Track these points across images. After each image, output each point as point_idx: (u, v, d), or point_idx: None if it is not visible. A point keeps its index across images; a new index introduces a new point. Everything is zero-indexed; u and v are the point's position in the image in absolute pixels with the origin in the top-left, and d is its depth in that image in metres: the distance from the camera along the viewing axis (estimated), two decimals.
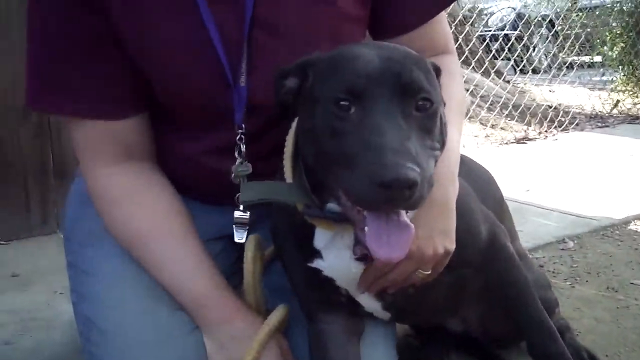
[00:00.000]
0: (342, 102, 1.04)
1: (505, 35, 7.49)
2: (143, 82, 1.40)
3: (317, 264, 1.31)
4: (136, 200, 1.45)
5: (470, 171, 1.53)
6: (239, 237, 1.51)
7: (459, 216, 1.30)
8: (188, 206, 1.51)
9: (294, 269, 1.39)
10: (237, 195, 1.38)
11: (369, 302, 1.39)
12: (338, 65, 1.10)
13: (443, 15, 1.54)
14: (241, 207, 1.49)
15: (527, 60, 6.75)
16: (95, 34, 1.33)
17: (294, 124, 1.30)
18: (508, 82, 6.92)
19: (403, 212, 1.06)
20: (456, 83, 1.49)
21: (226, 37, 1.33)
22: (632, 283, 2.44)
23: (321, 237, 1.28)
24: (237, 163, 1.44)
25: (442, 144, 1.13)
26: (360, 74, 1.05)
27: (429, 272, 1.30)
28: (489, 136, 5.51)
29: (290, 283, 1.42)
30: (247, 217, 1.50)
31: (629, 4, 6.71)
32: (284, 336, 1.47)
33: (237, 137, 1.42)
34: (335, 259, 1.29)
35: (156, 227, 1.45)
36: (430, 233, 1.24)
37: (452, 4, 1.56)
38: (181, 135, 1.49)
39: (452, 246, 1.29)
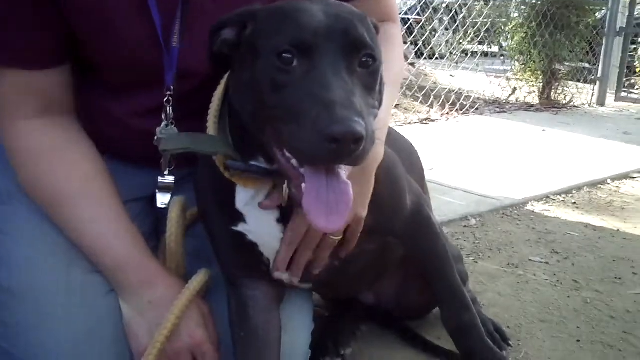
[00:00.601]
0: (285, 55, 1.01)
1: (406, 18, 7.61)
2: (68, 33, 1.32)
3: (241, 227, 1.28)
4: (56, 158, 1.38)
5: (395, 141, 1.53)
6: (162, 201, 1.46)
7: (386, 183, 1.30)
8: (110, 165, 1.45)
9: (217, 231, 1.35)
10: (159, 144, 1.33)
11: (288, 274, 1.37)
12: (282, 18, 1.06)
13: None
14: (166, 172, 1.44)
15: (429, 46, 6.88)
16: None
17: (222, 81, 1.26)
18: (412, 64, 7.05)
19: (342, 172, 1.04)
20: (397, 53, 1.49)
21: None
22: (530, 260, 2.55)
23: (242, 197, 1.24)
24: (162, 125, 1.39)
25: (380, 103, 1.12)
26: (306, 27, 1.03)
27: (340, 237, 1.29)
28: (393, 115, 5.60)
29: (213, 246, 1.38)
30: (172, 181, 1.46)
31: None
32: (206, 301, 1.43)
33: (165, 99, 1.37)
34: (257, 221, 1.26)
35: (76, 187, 1.38)
36: None
37: None
38: (108, 94, 1.43)
39: (364, 213, 1.28)
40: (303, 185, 1.01)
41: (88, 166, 1.40)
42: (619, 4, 7.33)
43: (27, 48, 1.29)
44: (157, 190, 1.48)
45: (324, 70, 0.99)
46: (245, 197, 1.25)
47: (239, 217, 1.27)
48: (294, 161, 1.03)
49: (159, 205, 1.47)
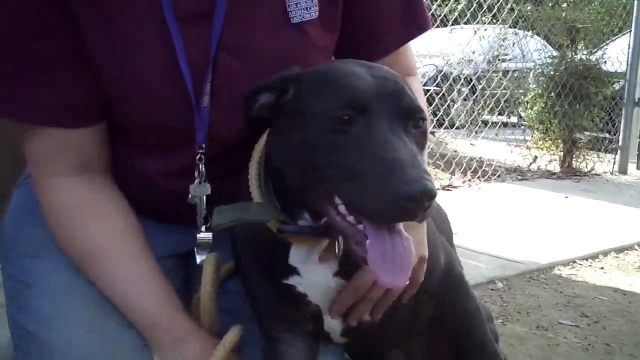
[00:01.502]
0: (344, 117, 1.04)
1: (427, 89, 7.73)
2: (102, 92, 1.36)
3: (292, 280, 1.28)
4: (90, 216, 1.40)
5: None
6: (201, 258, 1.48)
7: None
8: (142, 223, 1.47)
9: (259, 286, 1.35)
10: (207, 221, 1.37)
11: (332, 323, 1.37)
12: (332, 80, 1.09)
13: None
14: (203, 229, 1.47)
15: (448, 116, 6.96)
16: (59, 41, 1.29)
17: (260, 142, 1.29)
18: (432, 133, 7.12)
19: (403, 229, 1.06)
20: (424, 106, 1.53)
21: (192, 58, 1.31)
22: (560, 323, 2.52)
23: (297, 254, 1.26)
24: (195, 183, 1.41)
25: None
26: (363, 90, 1.06)
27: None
28: None
29: (252, 301, 1.38)
30: (210, 238, 1.48)
31: (549, 68, 7.06)
32: (240, 357, 1.42)
33: (197, 157, 1.39)
34: (312, 274, 1.27)
35: (110, 245, 1.39)
36: None
37: None
38: (140, 154, 1.45)
39: (426, 253, 1.32)
40: (367, 242, 1.03)
41: (122, 223, 1.42)
42: (637, 75, 7.40)
43: (63, 106, 1.33)
44: (195, 248, 1.49)
45: (384, 131, 1.02)
46: (300, 254, 1.26)
47: (292, 272, 1.28)
48: (350, 218, 1.06)
49: (198, 262, 1.49)
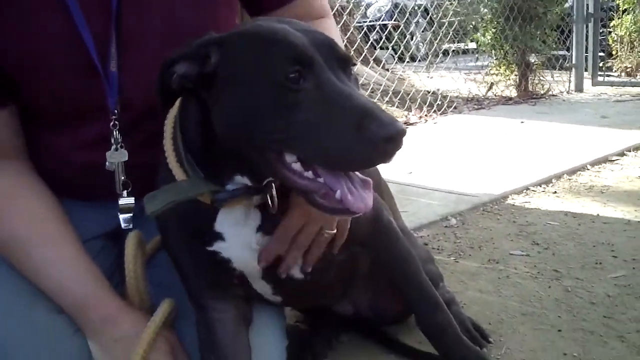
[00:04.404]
0: (292, 74, 1.03)
1: (384, 25, 7.65)
2: (5, 73, 1.32)
3: (216, 246, 1.28)
4: (9, 203, 1.38)
5: None
6: (126, 223, 1.47)
7: None
8: (65, 206, 1.45)
9: (184, 256, 1.34)
10: (127, 186, 1.37)
11: (262, 286, 1.38)
12: (267, 40, 1.07)
13: None
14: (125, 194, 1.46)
15: (405, 49, 6.91)
16: None
17: (169, 118, 1.25)
18: (387, 69, 7.08)
19: None
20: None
21: (92, 20, 1.27)
22: (511, 254, 2.55)
23: (225, 218, 1.25)
24: (112, 149, 1.38)
25: None
26: (302, 45, 1.05)
27: (334, 231, 1.33)
28: None
29: (179, 272, 1.38)
30: (132, 202, 1.46)
31: None
32: (173, 331, 1.43)
33: (111, 124, 1.36)
34: (236, 237, 1.27)
35: (33, 231, 1.38)
36: None
37: None
38: (52, 130, 1.42)
39: None
40: (338, 192, 1.05)
41: (42, 208, 1.40)
42: None
43: None
44: (119, 213, 1.47)
45: (335, 82, 1.04)
46: (227, 219, 1.25)
47: (216, 237, 1.27)
48: (308, 174, 1.06)
49: (123, 226, 1.47)
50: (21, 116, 1.41)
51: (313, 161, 1.05)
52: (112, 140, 1.38)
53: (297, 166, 1.07)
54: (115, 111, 1.36)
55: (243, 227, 1.26)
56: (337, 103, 1.01)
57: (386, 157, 0.99)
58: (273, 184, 1.21)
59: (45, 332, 1.35)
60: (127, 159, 1.40)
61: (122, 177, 1.43)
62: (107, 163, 1.39)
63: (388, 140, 0.97)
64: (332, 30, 1.58)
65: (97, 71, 1.31)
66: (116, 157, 1.39)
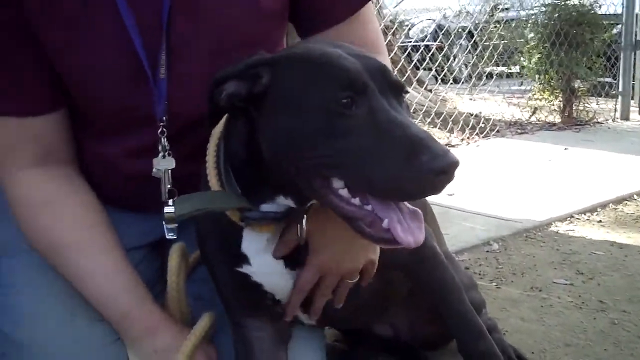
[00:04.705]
0: (345, 100, 1.01)
1: (427, 45, 7.63)
2: (55, 77, 1.33)
3: (245, 269, 1.27)
4: (57, 209, 1.39)
5: None
6: (170, 233, 1.47)
7: None
8: (110, 214, 1.45)
9: (220, 274, 1.34)
10: (173, 194, 1.35)
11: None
12: (319, 63, 1.06)
13: (372, 12, 1.52)
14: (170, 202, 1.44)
15: (447, 70, 6.88)
16: (7, 27, 1.26)
17: (215, 130, 1.25)
18: (430, 91, 7.05)
19: None
20: None
21: (143, 25, 1.27)
22: (554, 282, 2.50)
23: (250, 241, 1.24)
24: (159, 156, 1.37)
25: None
26: (356, 70, 1.04)
27: (356, 279, 1.31)
28: None
29: (217, 288, 1.37)
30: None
31: (542, 17, 6.94)
32: (212, 345, 1.42)
33: (159, 130, 1.36)
34: (263, 263, 1.25)
35: (78, 239, 1.38)
36: (348, 247, 1.26)
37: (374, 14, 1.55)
38: (100, 138, 1.43)
39: (375, 256, 1.31)
40: (386, 221, 1.03)
41: (89, 216, 1.41)
42: (634, 17, 7.26)
43: (17, 94, 1.31)
44: (164, 222, 1.47)
45: (388, 110, 1.02)
46: (252, 240, 1.24)
47: (244, 260, 1.26)
48: (355, 200, 1.05)
49: (168, 237, 1.47)
50: (75, 124, 1.43)
51: (361, 189, 1.04)
52: (160, 148, 1.38)
53: (344, 192, 1.05)
54: (164, 118, 1.36)
55: (268, 254, 1.25)
56: (389, 131, 0.99)
57: (437, 189, 0.98)
58: (305, 216, 1.20)
59: (85, 339, 1.36)
60: (174, 166, 1.39)
61: (169, 186, 1.43)
62: (154, 169, 1.39)
63: (440, 173, 0.95)
64: (379, 47, 1.56)
65: (147, 78, 1.31)
66: (163, 164, 1.39)
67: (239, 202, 1.18)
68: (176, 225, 1.46)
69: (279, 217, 1.20)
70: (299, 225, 1.20)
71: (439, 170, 0.94)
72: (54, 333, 1.35)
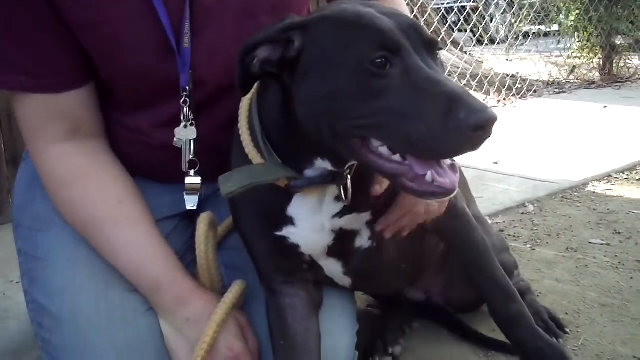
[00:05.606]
0: (380, 60, 1.01)
1: (462, 6, 7.50)
2: (84, 53, 1.35)
3: (285, 231, 1.29)
4: (88, 182, 1.41)
5: None
6: (191, 204, 1.49)
7: None
8: (140, 186, 1.48)
9: (256, 239, 1.36)
10: (194, 164, 1.38)
11: (331, 266, 1.38)
12: (352, 24, 1.05)
13: None
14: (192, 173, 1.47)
15: (484, 31, 6.75)
16: (30, 4, 1.27)
17: (244, 102, 1.26)
18: (465, 52, 6.94)
19: None
20: None
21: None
22: (590, 242, 2.46)
23: (299, 204, 1.26)
24: (181, 126, 1.39)
25: None
26: (390, 29, 1.03)
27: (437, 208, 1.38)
28: None
29: (250, 255, 1.39)
30: (198, 182, 1.47)
31: None
32: (243, 312, 1.45)
33: (182, 100, 1.37)
34: (307, 222, 1.27)
35: (109, 211, 1.41)
36: None
37: None
38: (126, 110, 1.45)
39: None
40: (429, 173, 1.02)
41: (119, 189, 1.43)
42: None
43: (43, 72, 1.32)
44: (184, 193, 1.49)
45: (423, 68, 1.01)
46: (302, 205, 1.26)
47: (287, 222, 1.28)
48: (396, 157, 1.04)
49: (188, 207, 1.50)
50: (102, 98, 1.45)
51: (399, 149, 1.03)
52: (182, 117, 1.39)
53: (384, 150, 1.04)
54: (187, 88, 1.37)
55: (316, 215, 1.27)
56: (425, 89, 0.98)
57: (475, 145, 0.96)
58: (349, 176, 1.21)
59: (119, 309, 1.39)
60: (195, 136, 1.41)
61: (190, 156, 1.44)
62: (175, 139, 1.40)
63: (478, 128, 0.93)
64: (402, 7, 1.56)
65: (171, 47, 1.31)
66: (184, 134, 1.40)
67: (285, 172, 1.19)
68: (197, 195, 1.49)
69: (326, 181, 1.21)
70: (342, 188, 1.22)
71: (478, 125, 0.93)
72: (88, 305, 1.38)
